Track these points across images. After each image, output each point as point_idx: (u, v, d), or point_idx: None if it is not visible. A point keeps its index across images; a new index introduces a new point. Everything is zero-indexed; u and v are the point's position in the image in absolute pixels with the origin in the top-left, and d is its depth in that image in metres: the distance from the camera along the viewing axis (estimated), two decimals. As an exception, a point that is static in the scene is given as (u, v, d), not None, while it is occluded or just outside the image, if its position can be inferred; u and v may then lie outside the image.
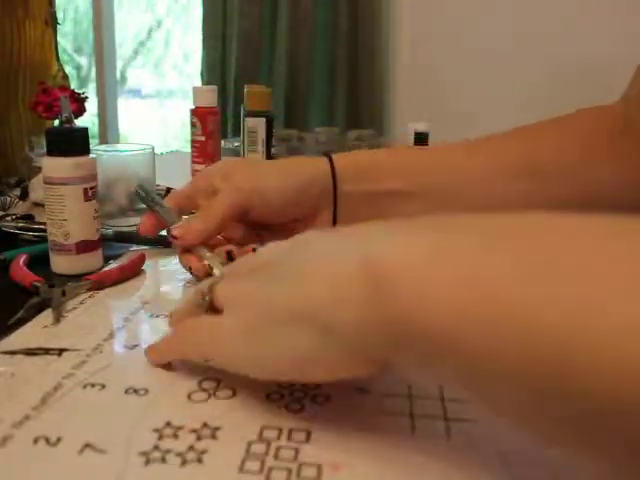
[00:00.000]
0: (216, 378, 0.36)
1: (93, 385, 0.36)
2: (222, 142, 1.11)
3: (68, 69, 1.10)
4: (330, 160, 0.52)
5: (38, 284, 0.50)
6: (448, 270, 0.23)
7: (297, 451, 0.30)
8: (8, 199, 0.79)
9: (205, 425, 0.32)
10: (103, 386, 0.35)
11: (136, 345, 0.41)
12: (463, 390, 0.26)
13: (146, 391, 0.35)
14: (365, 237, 0.28)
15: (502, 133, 0.55)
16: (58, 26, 1.00)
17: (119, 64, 2.56)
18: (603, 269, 0.21)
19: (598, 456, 0.22)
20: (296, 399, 0.34)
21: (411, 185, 0.52)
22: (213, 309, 0.35)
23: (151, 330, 0.44)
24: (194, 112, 1.04)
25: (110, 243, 0.63)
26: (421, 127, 1.12)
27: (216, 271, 0.47)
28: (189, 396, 0.34)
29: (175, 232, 0.50)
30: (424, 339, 0.24)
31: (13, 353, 0.40)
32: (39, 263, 0.55)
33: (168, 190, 0.83)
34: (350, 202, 0.52)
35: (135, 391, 0.35)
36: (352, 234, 0.29)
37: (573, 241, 0.22)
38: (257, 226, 0.53)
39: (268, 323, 0.30)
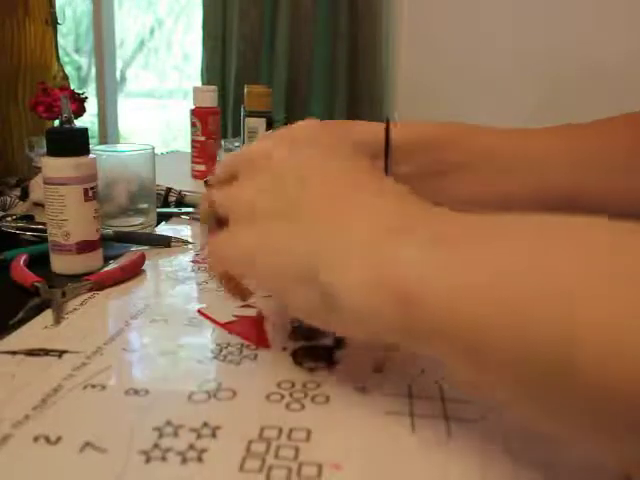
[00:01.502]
0: (217, 380, 0.36)
1: (93, 386, 0.36)
2: (222, 142, 1.11)
3: (68, 69, 1.10)
4: (387, 129, 0.48)
5: (38, 284, 0.50)
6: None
7: (297, 450, 0.30)
8: (8, 199, 0.79)
9: (205, 424, 0.32)
10: (103, 387, 0.36)
11: (137, 349, 0.41)
12: (456, 366, 0.27)
13: (146, 392, 0.35)
14: (390, 237, 0.29)
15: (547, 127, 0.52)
16: (58, 26, 1.00)
17: (119, 64, 2.56)
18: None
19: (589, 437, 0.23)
20: (296, 399, 0.34)
21: (473, 160, 0.49)
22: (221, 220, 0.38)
23: (152, 334, 0.44)
24: (194, 112, 1.05)
25: (110, 243, 0.63)
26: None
27: None
28: (189, 397, 0.35)
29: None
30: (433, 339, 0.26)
31: (14, 353, 0.40)
32: (39, 263, 0.55)
33: (168, 190, 0.83)
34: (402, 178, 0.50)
35: (135, 392, 0.35)
36: (371, 228, 0.30)
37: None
38: None
39: (272, 252, 0.32)
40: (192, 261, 0.60)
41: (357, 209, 0.31)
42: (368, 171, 0.34)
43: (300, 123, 0.39)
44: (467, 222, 0.28)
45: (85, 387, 0.35)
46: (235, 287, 0.41)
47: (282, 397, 0.34)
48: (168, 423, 0.32)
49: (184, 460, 0.29)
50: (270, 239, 0.32)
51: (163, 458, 0.29)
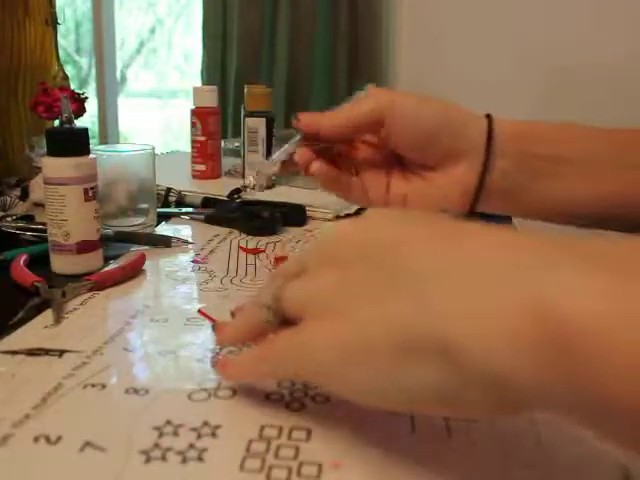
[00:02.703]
0: (216, 379, 0.36)
1: (93, 385, 0.36)
2: (222, 142, 1.11)
3: (68, 69, 1.10)
4: (488, 116, 0.48)
5: (39, 284, 0.50)
6: None
7: (297, 449, 0.30)
8: (8, 199, 0.79)
9: (205, 423, 0.32)
10: (103, 386, 0.36)
11: (137, 349, 0.41)
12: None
13: (146, 391, 0.35)
14: (530, 269, 0.22)
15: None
16: (58, 26, 1.00)
17: (119, 64, 2.56)
18: None
19: None
20: (296, 398, 0.34)
21: (570, 151, 0.46)
22: (285, 319, 0.31)
23: (152, 334, 0.43)
24: (194, 112, 1.05)
25: (110, 243, 0.63)
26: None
27: None
28: (189, 396, 0.35)
29: (301, 116, 0.48)
30: (617, 413, 0.20)
31: (14, 353, 0.40)
32: (39, 263, 0.55)
33: (168, 190, 0.83)
34: (502, 161, 0.46)
35: (135, 391, 0.35)
36: (505, 257, 0.23)
37: None
38: (390, 158, 0.50)
39: (374, 346, 0.25)
40: (192, 261, 0.60)
41: (470, 259, 0.24)
42: (463, 224, 0.28)
43: (371, 211, 0.32)
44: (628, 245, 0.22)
45: (85, 386, 0.35)
46: None
47: (282, 396, 0.34)
48: (168, 422, 0.32)
49: (184, 460, 0.29)
50: (360, 316, 0.26)
51: (163, 458, 0.29)
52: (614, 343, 0.19)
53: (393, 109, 0.47)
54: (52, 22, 0.97)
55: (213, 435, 0.31)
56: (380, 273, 0.26)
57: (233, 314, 0.42)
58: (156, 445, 0.30)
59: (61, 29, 1.01)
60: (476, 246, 0.25)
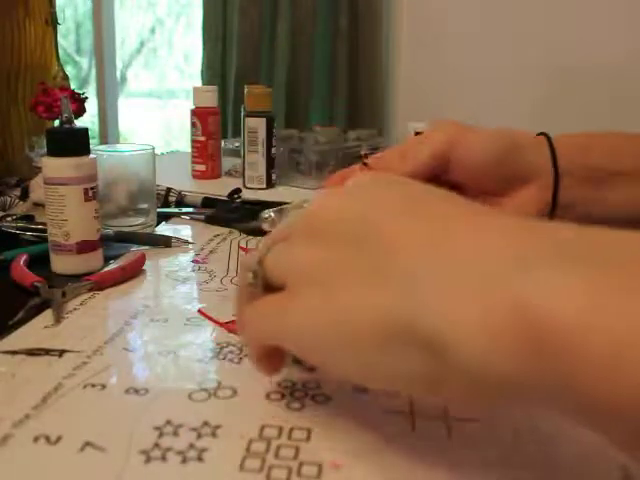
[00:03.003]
0: (217, 379, 0.36)
1: (93, 385, 0.36)
2: (222, 142, 1.11)
3: (68, 69, 1.10)
4: (545, 134, 0.48)
5: (39, 284, 0.50)
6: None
7: (297, 449, 0.30)
8: (8, 199, 0.79)
9: (205, 423, 0.32)
10: (103, 386, 0.36)
11: (137, 348, 0.41)
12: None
13: (146, 391, 0.35)
14: (512, 269, 0.22)
15: None
16: (58, 26, 1.00)
17: (119, 64, 2.56)
18: None
19: None
20: (296, 398, 0.34)
21: (621, 163, 0.48)
22: (270, 285, 0.30)
23: (152, 334, 0.43)
24: (194, 112, 1.05)
25: (110, 243, 0.63)
26: (421, 127, 1.12)
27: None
28: (189, 396, 0.35)
29: (369, 160, 0.47)
30: (593, 409, 0.20)
31: (14, 353, 0.40)
32: (39, 263, 0.55)
33: (168, 190, 0.83)
34: (569, 178, 0.47)
35: (136, 391, 0.35)
36: (490, 255, 0.23)
37: None
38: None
39: (357, 330, 0.25)
40: (192, 261, 0.60)
41: (458, 256, 0.24)
42: (458, 202, 0.28)
43: (358, 177, 0.32)
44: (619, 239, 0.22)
45: (85, 386, 0.35)
46: (269, 361, 0.33)
47: (282, 396, 0.34)
48: (168, 422, 0.32)
49: (184, 460, 0.29)
50: (346, 299, 0.26)
51: (163, 458, 0.29)
52: (585, 340, 0.19)
53: (460, 144, 0.47)
54: (52, 22, 0.97)
55: (213, 435, 0.31)
56: (366, 257, 0.26)
57: None
58: (156, 445, 0.30)
59: (61, 29, 1.01)
60: (465, 243, 0.25)
